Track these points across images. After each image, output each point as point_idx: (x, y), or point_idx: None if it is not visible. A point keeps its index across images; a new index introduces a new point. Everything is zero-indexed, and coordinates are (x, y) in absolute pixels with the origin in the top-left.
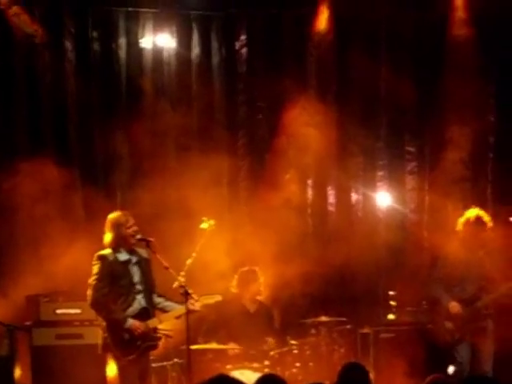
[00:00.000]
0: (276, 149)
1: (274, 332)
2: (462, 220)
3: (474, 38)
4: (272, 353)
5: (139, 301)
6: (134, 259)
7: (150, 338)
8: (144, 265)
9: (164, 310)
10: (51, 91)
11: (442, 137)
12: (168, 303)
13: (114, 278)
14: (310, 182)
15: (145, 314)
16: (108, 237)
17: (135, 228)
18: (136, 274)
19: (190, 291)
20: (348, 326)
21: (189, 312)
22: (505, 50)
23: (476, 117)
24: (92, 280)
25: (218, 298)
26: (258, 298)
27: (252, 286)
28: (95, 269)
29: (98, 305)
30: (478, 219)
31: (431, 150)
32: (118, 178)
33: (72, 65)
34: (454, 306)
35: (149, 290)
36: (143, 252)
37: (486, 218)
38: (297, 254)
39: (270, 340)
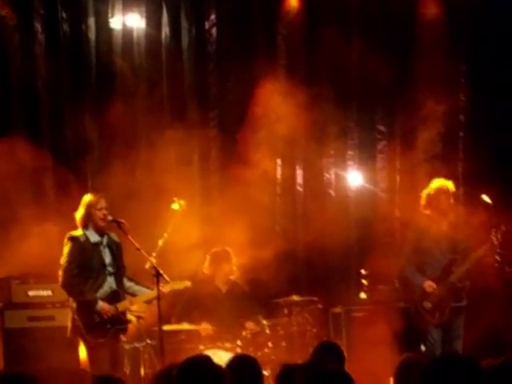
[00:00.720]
0: (247, 129)
1: (247, 312)
2: (425, 192)
3: (444, 17)
4: (244, 333)
5: (110, 283)
6: (105, 241)
7: (119, 322)
8: (115, 248)
9: (133, 295)
10: (21, 73)
11: (413, 116)
12: (138, 287)
13: (84, 259)
14: (280, 161)
15: (115, 296)
16: (78, 214)
17: (105, 212)
18: (107, 256)
19: (161, 272)
20: (320, 306)
21: (159, 294)
22: (475, 29)
23: (446, 96)
24: (63, 261)
25: (187, 283)
26: (231, 277)
27: (224, 266)
28: (66, 249)
29: (68, 286)
30: (441, 189)
31: (402, 129)
32: (88, 159)
33: (42, 46)
34: (430, 285)
35: (119, 273)
36: (114, 236)
37: (450, 186)
38: (269, 234)
39: (250, 324)
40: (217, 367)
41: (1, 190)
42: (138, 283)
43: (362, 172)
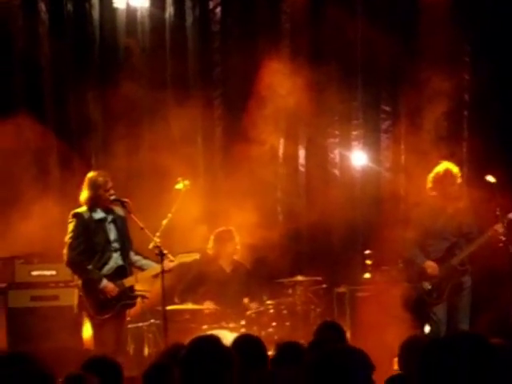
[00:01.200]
0: (251, 108)
1: (251, 291)
2: (431, 175)
3: None
4: (248, 312)
5: (116, 259)
6: (110, 217)
7: (126, 297)
8: (120, 223)
9: (141, 269)
10: (25, 52)
11: (418, 95)
12: (145, 261)
13: (89, 235)
14: (284, 140)
15: (121, 272)
16: (84, 194)
17: (112, 192)
18: (112, 232)
19: (165, 251)
20: (324, 286)
21: (164, 272)
22: (479, 9)
23: (451, 75)
24: (67, 238)
25: (196, 255)
26: (235, 257)
27: (228, 245)
28: (70, 227)
29: (73, 263)
30: (447, 172)
31: (406, 109)
32: (92, 138)
33: (46, 26)
34: (430, 266)
35: (125, 248)
36: (119, 210)
37: (455, 170)
38: (273, 214)
39: (252, 304)
40: (226, 349)
41: (5, 170)
42: (145, 257)
43: (367, 152)
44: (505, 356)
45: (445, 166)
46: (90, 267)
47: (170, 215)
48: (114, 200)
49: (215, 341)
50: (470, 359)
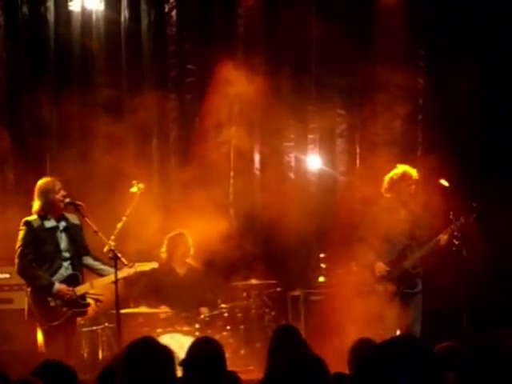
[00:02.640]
0: (206, 112)
1: (204, 295)
2: (388, 177)
3: (403, 1)
4: (202, 316)
5: (66, 268)
6: (62, 226)
7: (77, 305)
8: (73, 231)
9: (100, 274)
10: None
11: (372, 99)
12: (105, 267)
13: (38, 244)
14: (239, 144)
15: (73, 280)
16: (36, 204)
17: (63, 192)
18: (63, 240)
19: (119, 255)
20: (278, 289)
21: (119, 277)
22: (433, 13)
23: (405, 79)
24: (18, 246)
25: (154, 264)
26: (188, 261)
27: (180, 249)
28: (20, 235)
29: (23, 271)
30: (405, 175)
31: (361, 113)
32: (46, 141)
33: (1, 28)
34: (381, 268)
35: (78, 256)
36: (73, 218)
37: (413, 172)
38: (227, 217)
39: (204, 309)
40: (163, 346)
41: None
42: (104, 263)
43: (322, 155)
44: (455, 359)
45: (403, 168)
46: (40, 273)
47: (124, 218)
48: (68, 203)
49: (152, 341)
50: (411, 366)
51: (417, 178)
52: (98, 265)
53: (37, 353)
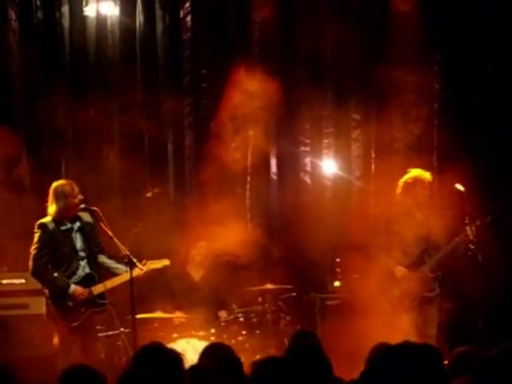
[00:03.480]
0: (221, 117)
1: (220, 300)
2: (402, 181)
3: (417, 6)
4: (218, 321)
5: (83, 267)
6: (76, 226)
7: (94, 305)
8: (87, 230)
9: (114, 273)
10: None
11: (388, 104)
12: (117, 265)
13: (54, 246)
14: (255, 149)
15: (90, 279)
16: (53, 208)
17: (81, 197)
18: (78, 240)
19: (134, 260)
20: (294, 294)
21: (133, 279)
22: (448, 17)
23: (421, 84)
24: (33, 249)
25: (166, 262)
26: (204, 266)
27: (196, 255)
28: (36, 237)
29: (38, 274)
30: (418, 178)
31: (376, 118)
32: (62, 148)
33: (16, 33)
34: (400, 271)
35: (93, 255)
36: (86, 216)
37: (427, 175)
38: (243, 222)
39: (222, 313)
40: (172, 351)
41: None
42: (118, 262)
43: (338, 160)
44: (472, 363)
45: (417, 172)
46: (56, 275)
47: (140, 224)
48: (83, 209)
49: (159, 347)
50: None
51: (430, 180)
52: (112, 263)
53: (54, 358)
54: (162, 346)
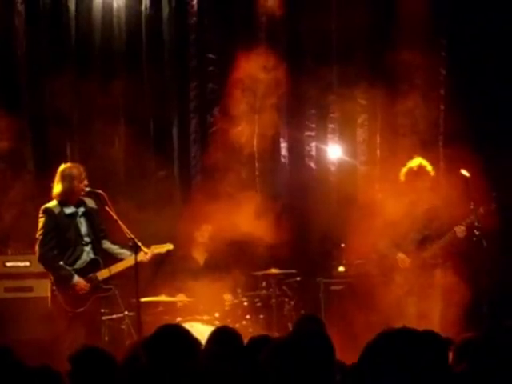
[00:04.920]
0: (227, 101)
1: (225, 284)
2: (404, 170)
3: None
4: (222, 305)
5: (88, 252)
6: (81, 211)
7: (99, 290)
8: (91, 215)
9: (117, 257)
10: (1, 44)
11: (394, 89)
12: (122, 251)
13: (60, 231)
14: (261, 134)
15: (95, 264)
16: (58, 188)
17: (86, 182)
18: (83, 225)
19: (139, 243)
20: (298, 278)
21: (139, 264)
22: (457, 3)
23: (427, 69)
24: (38, 235)
25: (169, 246)
26: (209, 250)
27: (200, 239)
28: (41, 223)
29: (44, 260)
30: (420, 168)
31: (382, 103)
32: (67, 131)
33: (22, 17)
34: (402, 259)
35: (97, 240)
36: (90, 202)
37: (429, 167)
38: (248, 206)
39: (227, 296)
40: (190, 335)
41: None
42: (122, 247)
43: (343, 145)
44: (476, 349)
45: (418, 161)
46: (61, 263)
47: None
48: (89, 192)
49: (181, 329)
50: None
51: (432, 172)
52: (116, 248)
53: (57, 341)
54: (181, 328)
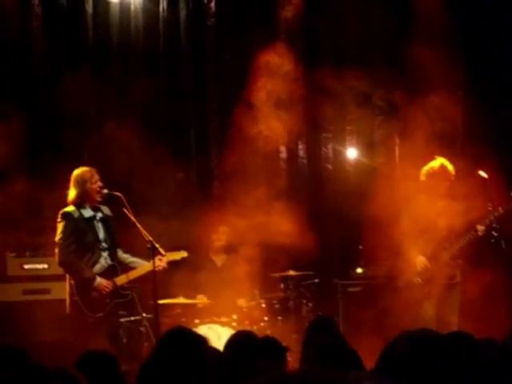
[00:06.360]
0: (245, 102)
1: (242, 286)
2: (425, 170)
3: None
4: (240, 307)
5: (105, 258)
6: (99, 216)
7: (118, 296)
8: (108, 222)
9: (131, 266)
10: (18, 46)
11: (411, 91)
12: (134, 259)
13: (79, 234)
14: (279, 135)
15: (112, 271)
16: (72, 193)
17: (100, 183)
18: (101, 230)
19: (157, 245)
20: (316, 280)
21: (154, 268)
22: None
23: (445, 70)
24: (58, 239)
25: (184, 254)
26: (226, 251)
27: (218, 241)
28: (60, 227)
29: (66, 263)
30: (441, 168)
31: (400, 105)
32: (84, 133)
33: (39, 19)
34: (421, 261)
35: (114, 247)
36: (106, 209)
37: (450, 167)
38: (266, 208)
39: (241, 301)
40: (196, 334)
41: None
42: (134, 255)
43: (361, 146)
44: (492, 353)
45: (440, 161)
46: (82, 265)
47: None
48: (107, 194)
49: (189, 332)
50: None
51: (453, 173)
52: (128, 257)
53: (75, 343)
54: (187, 331)
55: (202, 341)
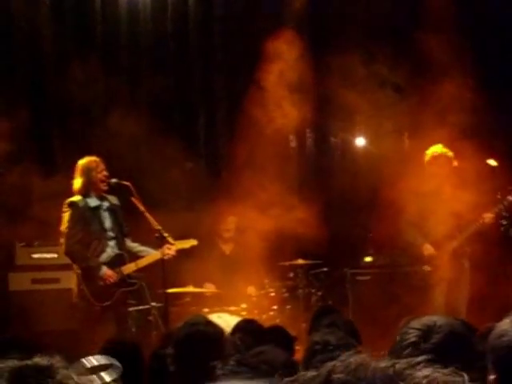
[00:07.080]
0: (254, 93)
1: (251, 275)
2: (426, 157)
3: None
4: (249, 296)
5: (112, 247)
6: (105, 205)
7: (125, 284)
8: (115, 211)
9: (139, 255)
10: (26, 37)
11: (420, 81)
12: (143, 248)
13: (85, 224)
14: (288, 125)
15: (119, 259)
16: (77, 183)
17: (105, 173)
18: (107, 220)
19: (165, 235)
20: (325, 269)
21: (163, 257)
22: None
23: (454, 60)
24: (64, 228)
25: (193, 242)
26: (235, 240)
27: (227, 230)
28: (66, 216)
29: (72, 252)
30: (441, 155)
31: (409, 94)
32: (92, 123)
33: (47, 9)
34: (428, 249)
35: (121, 236)
36: (113, 199)
37: (450, 153)
38: (276, 197)
39: (251, 289)
40: (215, 326)
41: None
42: (141, 245)
43: (370, 136)
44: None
45: (439, 148)
46: (88, 254)
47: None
48: (115, 183)
49: (208, 321)
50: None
51: (451, 159)
52: (136, 246)
53: (82, 332)
54: (206, 320)
55: (221, 331)
